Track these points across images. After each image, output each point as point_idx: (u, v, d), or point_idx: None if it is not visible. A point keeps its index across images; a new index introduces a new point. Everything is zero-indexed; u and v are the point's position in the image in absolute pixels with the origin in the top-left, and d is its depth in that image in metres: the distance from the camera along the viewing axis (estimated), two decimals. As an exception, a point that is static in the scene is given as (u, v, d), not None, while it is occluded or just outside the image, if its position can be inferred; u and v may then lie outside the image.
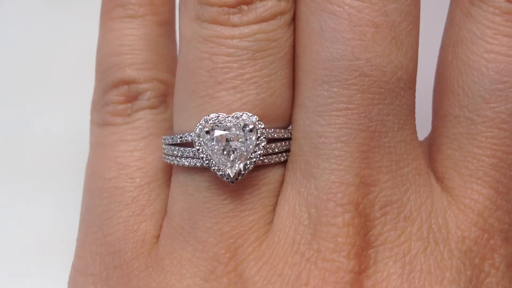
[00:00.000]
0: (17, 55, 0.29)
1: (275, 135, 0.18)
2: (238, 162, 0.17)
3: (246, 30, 0.17)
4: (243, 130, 0.17)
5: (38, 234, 0.26)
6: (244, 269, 0.17)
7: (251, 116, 0.17)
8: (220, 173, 0.17)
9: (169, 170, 0.20)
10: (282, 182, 0.18)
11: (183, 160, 0.18)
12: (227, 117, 0.17)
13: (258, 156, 0.17)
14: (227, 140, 0.17)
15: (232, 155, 0.17)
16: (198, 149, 0.17)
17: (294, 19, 0.18)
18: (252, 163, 0.17)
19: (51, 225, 0.26)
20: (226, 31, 0.17)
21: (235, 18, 0.17)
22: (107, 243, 0.19)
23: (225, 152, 0.17)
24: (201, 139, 0.17)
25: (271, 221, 0.18)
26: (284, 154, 0.18)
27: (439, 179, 0.19)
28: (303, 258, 0.17)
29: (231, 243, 0.17)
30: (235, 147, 0.17)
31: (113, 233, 0.19)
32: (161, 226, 0.19)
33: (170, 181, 0.20)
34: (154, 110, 0.20)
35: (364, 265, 0.17)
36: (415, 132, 0.18)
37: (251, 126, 0.17)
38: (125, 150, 0.20)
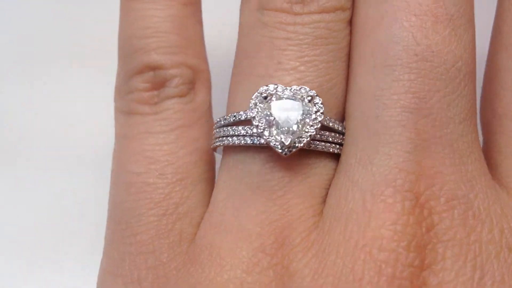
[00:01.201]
0: (32, 38, 0.28)
1: (330, 124, 0.17)
2: (293, 135, 0.16)
3: (307, 18, 0.18)
4: (302, 101, 0.16)
5: (50, 228, 0.25)
6: (292, 261, 0.16)
7: (310, 91, 0.16)
8: (273, 143, 0.16)
9: (201, 166, 0.19)
10: (333, 177, 0.17)
11: (235, 139, 0.17)
12: (285, 89, 0.16)
13: (314, 130, 0.16)
14: (284, 110, 0.16)
15: (288, 124, 0.16)
16: (254, 117, 0.16)
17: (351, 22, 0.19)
18: (308, 136, 0.16)
19: (68, 213, 0.25)
20: (288, 18, 0.18)
21: (297, 8, 0.18)
22: (137, 242, 0.17)
23: (280, 122, 0.16)
24: (257, 107, 0.16)
25: (321, 212, 0.17)
26: (337, 146, 0.17)
27: (502, 184, 0.17)
28: (356, 247, 0.15)
29: (279, 233, 0.16)
30: (291, 117, 0.16)
31: (144, 232, 0.18)
32: (198, 224, 0.18)
33: (202, 178, 0.19)
34: (182, 99, 0.19)
35: (429, 260, 0.15)
36: (476, 132, 0.17)
37: (309, 98, 0.16)
38: (154, 143, 0.18)
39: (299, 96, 0.16)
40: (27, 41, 0.28)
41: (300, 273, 0.15)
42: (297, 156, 0.17)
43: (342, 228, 0.16)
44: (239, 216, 0.17)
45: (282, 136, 0.16)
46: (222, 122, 0.18)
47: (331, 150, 0.17)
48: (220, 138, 0.18)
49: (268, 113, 0.16)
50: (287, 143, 0.16)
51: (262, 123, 0.16)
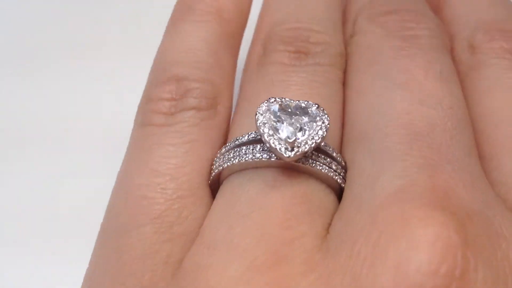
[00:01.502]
0: (42, 34, 0.28)
1: (334, 153, 0.17)
2: (299, 137, 0.16)
3: (305, 67, 0.19)
4: (309, 108, 0.16)
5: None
6: (289, 283, 0.14)
7: (314, 104, 0.16)
8: (277, 146, 0.15)
9: (206, 188, 0.18)
10: (334, 210, 0.16)
11: (236, 159, 0.16)
12: (292, 100, 0.16)
13: (320, 138, 0.16)
14: (290, 114, 0.16)
15: (294, 126, 0.16)
16: (260, 124, 0.16)
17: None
18: (313, 142, 0.16)
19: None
20: (287, 67, 0.19)
21: (295, 61, 0.19)
22: (121, 260, 0.16)
23: (286, 124, 0.16)
24: (264, 115, 0.16)
25: (325, 237, 0.15)
26: (340, 175, 0.17)
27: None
28: (364, 264, 0.13)
29: (276, 250, 0.14)
30: (298, 121, 0.16)
31: (131, 251, 0.16)
32: (188, 250, 0.16)
33: (205, 201, 0.17)
34: (200, 114, 0.18)
35: (461, 269, 0.13)
36: (481, 168, 0.17)
37: (316, 106, 0.16)
38: (161, 156, 0.17)
39: (305, 105, 0.16)
40: (38, 37, 0.28)
41: None
42: (298, 179, 0.16)
43: (349, 250, 0.14)
44: (233, 232, 0.15)
45: (286, 137, 0.16)
46: (223, 150, 0.17)
47: (334, 177, 0.16)
48: (219, 165, 0.17)
49: (274, 117, 0.16)
50: (291, 140, 0.15)
51: (267, 128, 0.16)
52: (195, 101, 0.18)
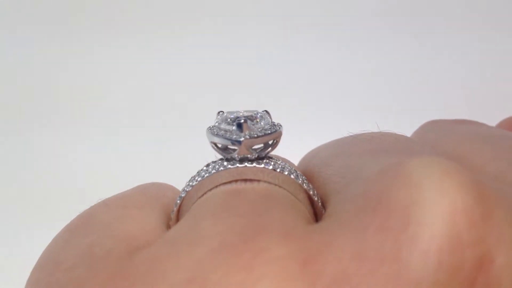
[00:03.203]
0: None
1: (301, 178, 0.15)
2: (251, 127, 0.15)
3: None
4: (256, 113, 0.15)
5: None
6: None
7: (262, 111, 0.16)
8: (226, 135, 0.14)
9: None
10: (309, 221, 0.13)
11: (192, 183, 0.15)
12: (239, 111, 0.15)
13: (278, 129, 0.15)
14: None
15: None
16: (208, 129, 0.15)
17: None
18: (266, 132, 0.14)
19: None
20: None
21: None
22: None
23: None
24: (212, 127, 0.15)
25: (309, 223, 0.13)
26: (306, 185, 0.15)
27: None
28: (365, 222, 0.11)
29: (248, 231, 0.12)
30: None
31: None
32: None
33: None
34: None
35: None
36: None
37: (264, 111, 0.15)
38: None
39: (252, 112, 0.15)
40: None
41: None
42: (259, 184, 0.14)
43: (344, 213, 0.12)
44: (199, 226, 0.12)
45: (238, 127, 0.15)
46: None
47: (304, 185, 0.14)
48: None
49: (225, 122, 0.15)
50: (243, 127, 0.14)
51: (216, 129, 0.15)
52: None
